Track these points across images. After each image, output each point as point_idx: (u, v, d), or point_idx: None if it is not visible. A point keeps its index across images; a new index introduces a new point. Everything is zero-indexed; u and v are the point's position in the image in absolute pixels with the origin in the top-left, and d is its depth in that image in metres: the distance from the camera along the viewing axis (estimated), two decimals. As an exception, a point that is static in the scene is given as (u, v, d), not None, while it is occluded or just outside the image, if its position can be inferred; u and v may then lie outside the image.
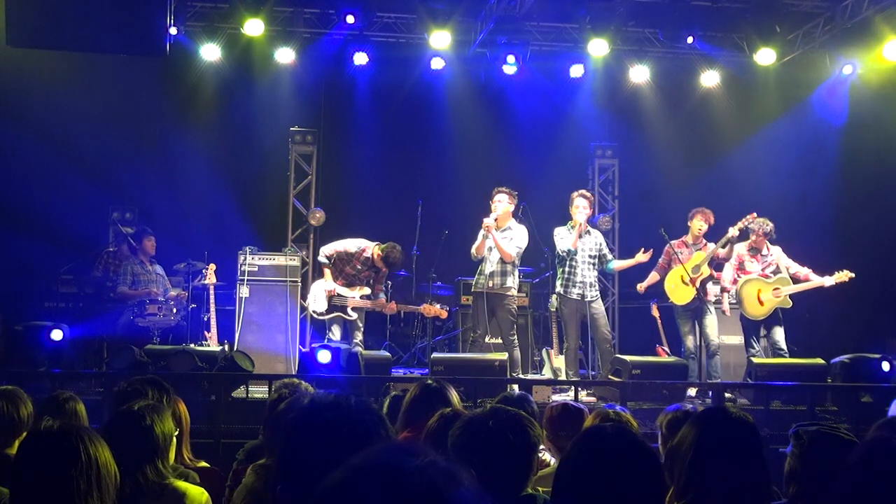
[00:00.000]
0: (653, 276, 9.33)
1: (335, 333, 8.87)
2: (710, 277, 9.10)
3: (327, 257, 8.93)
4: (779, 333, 9.06)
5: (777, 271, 9.10)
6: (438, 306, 9.14)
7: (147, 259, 9.56)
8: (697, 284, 8.86)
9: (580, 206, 8.91)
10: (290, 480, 1.78)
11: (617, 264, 9.26)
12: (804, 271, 9.07)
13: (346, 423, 1.79)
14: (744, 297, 9.10)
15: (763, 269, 9.12)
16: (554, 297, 9.43)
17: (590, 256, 8.99)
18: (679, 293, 9.08)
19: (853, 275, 8.84)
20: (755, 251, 9.15)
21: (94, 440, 2.62)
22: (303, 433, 1.81)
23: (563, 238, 8.96)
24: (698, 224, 9.19)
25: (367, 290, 8.96)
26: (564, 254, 8.92)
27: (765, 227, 9.03)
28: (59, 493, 2.51)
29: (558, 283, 9.05)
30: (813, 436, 2.92)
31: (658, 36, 11.06)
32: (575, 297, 8.88)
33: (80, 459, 2.55)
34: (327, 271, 8.91)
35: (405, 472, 1.19)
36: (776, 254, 9.18)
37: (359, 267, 8.93)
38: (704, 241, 9.21)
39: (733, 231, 8.87)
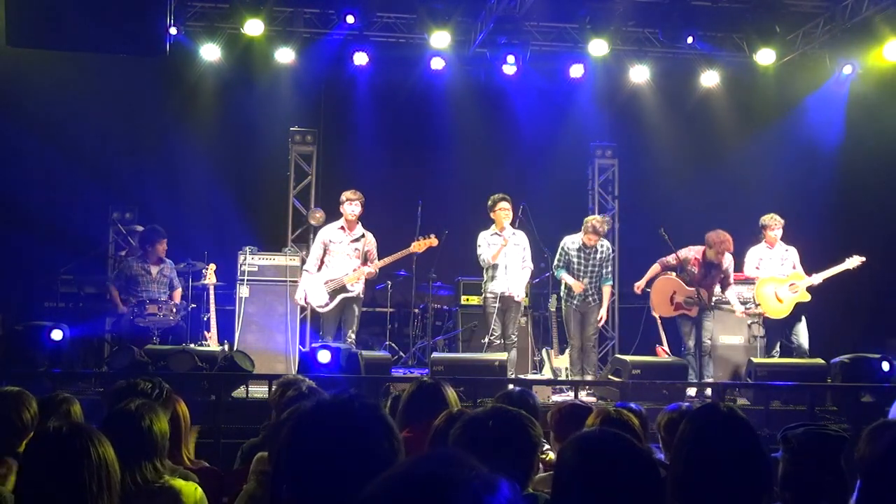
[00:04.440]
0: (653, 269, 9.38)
1: (328, 332, 8.84)
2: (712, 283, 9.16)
3: (315, 261, 8.93)
4: (802, 335, 9.21)
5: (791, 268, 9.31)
6: (423, 239, 9.03)
7: (154, 261, 9.43)
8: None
9: (592, 238, 9.16)
10: (289, 483, 1.78)
11: (608, 287, 9.38)
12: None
13: (348, 425, 1.79)
14: (762, 300, 9.16)
15: (781, 265, 9.30)
16: (554, 297, 9.52)
17: (594, 268, 9.27)
18: (662, 305, 9.16)
19: (863, 258, 9.04)
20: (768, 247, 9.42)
21: (102, 441, 2.62)
22: (304, 436, 1.81)
23: (564, 251, 9.23)
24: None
25: (356, 263, 8.89)
26: (554, 267, 9.36)
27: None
28: (72, 495, 2.50)
29: (563, 288, 9.33)
30: (801, 438, 2.90)
31: (658, 36, 11.05)
32: (578, 302, 9.19)
33: (91, 461, 2.54)
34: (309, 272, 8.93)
35: (451, 484, 1.19)
36: (793, 254, 9.37)
37: (341, 240, 8.89)
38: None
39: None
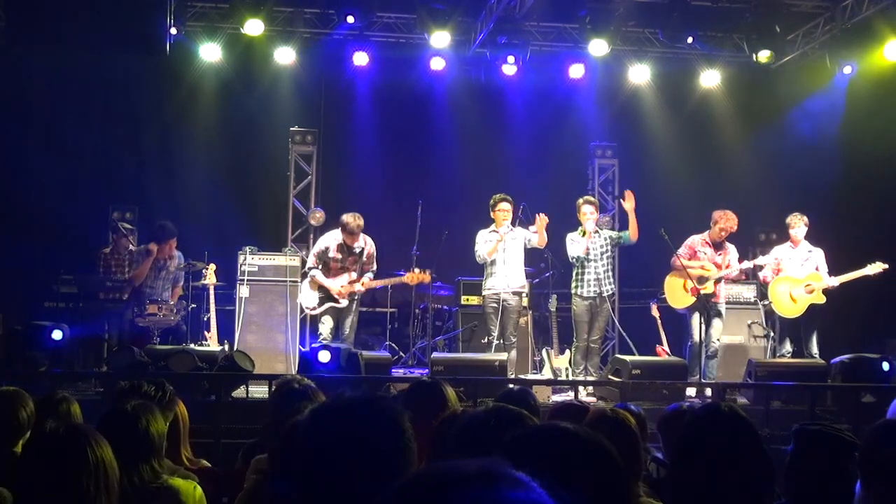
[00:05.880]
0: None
1: (325, 328, 8.94)
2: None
3: (312, 266, 9.04)
4: (812, 340, 9.16)
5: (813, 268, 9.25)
6: (418, 271, 9.16)
7: (165, 256, 9.38)
8: (700, 292, 8.93)
9: (587, 213, 9.15)
10: (293, 481, 1.78)
11: (631, 233, 9.25)
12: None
13: (357, 425, 1.78)
14: (775, 298, 9.14)
15: (802, 264, 9.25)
16: (554, 297, 9.52)
17: (601, 253, 9.21)
18: (677, 298, 9.15)
19: (886, 266, 8.97)
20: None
21: (100, 442, 2.61)
22: (310, 435, 1.80)
23: (574, 241, 9.18)
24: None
25: (353, 276, 9.01)
26: (574, 260, 9.22)
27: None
28: (69, 497, 2.49)
29: (573, 283, 9.29)
30: (815, 435, 2.91)
31: (658, 36, 11.05)
32: (591, 294, 9.15)
33: (88, 462, 2.53)
34: (314, 274, 9.03)
35: (459, 477, 1.17)
36: (817, 255, 9.30)
37: (339, 256, 9.00)
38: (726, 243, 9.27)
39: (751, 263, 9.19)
